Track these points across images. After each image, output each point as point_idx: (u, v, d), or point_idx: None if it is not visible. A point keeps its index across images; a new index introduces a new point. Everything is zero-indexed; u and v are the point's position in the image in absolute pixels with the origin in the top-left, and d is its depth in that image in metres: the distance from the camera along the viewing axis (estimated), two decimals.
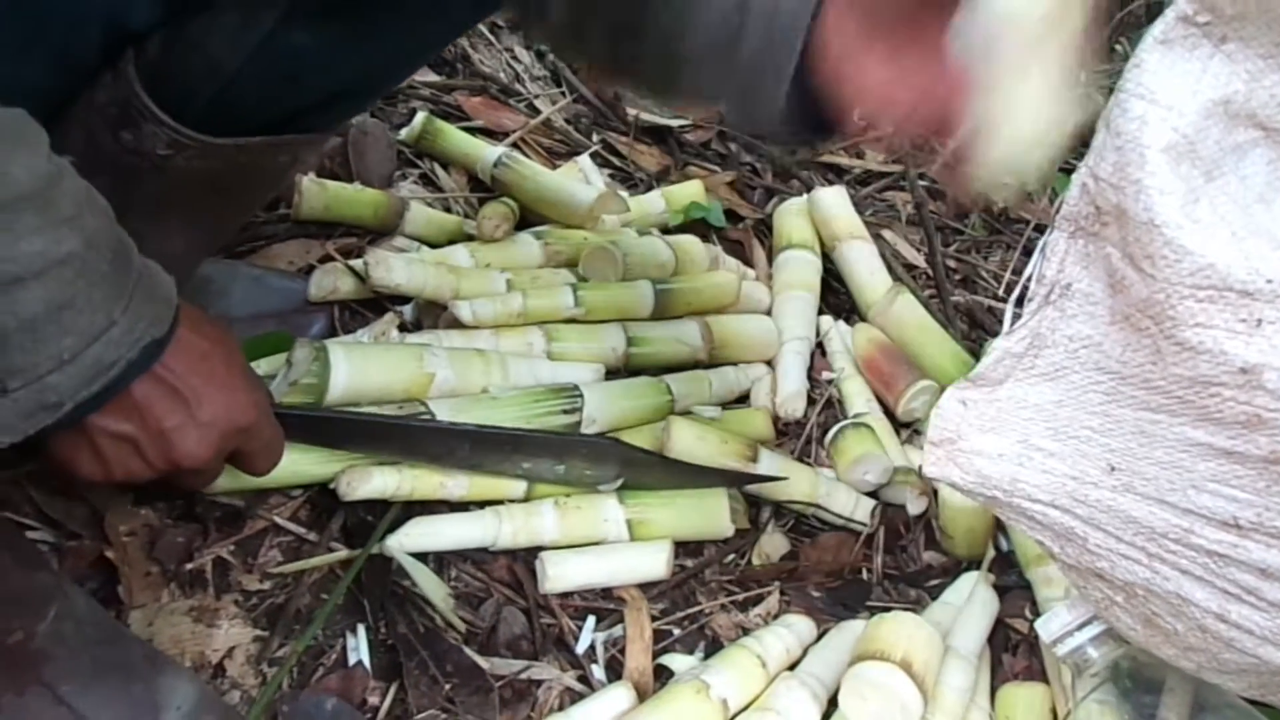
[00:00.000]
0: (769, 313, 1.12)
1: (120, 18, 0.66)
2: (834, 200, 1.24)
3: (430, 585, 0.77)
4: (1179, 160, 0.46)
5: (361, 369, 0.82)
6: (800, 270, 1.16)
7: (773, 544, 0.88)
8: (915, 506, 0.95)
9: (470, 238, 1.08)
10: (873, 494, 0.96)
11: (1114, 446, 0.53)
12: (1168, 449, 0.51)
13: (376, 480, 0.78)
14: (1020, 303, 0.53)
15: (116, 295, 0.55)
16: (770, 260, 1.23)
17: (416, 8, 0.71)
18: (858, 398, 1.05)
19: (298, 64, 0.70)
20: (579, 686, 0.76)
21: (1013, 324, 0.53)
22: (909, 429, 1.05)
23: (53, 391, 0.54)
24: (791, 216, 1.24)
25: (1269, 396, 0.46)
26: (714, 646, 0.81)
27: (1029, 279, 0.52)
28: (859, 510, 0.93)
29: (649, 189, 1.32)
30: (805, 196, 1.27)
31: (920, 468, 0.68)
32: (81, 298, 0.53)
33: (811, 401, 1.05)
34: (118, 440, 0.59)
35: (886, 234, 1.40)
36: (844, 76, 0.57)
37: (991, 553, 0.87)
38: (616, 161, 1.39)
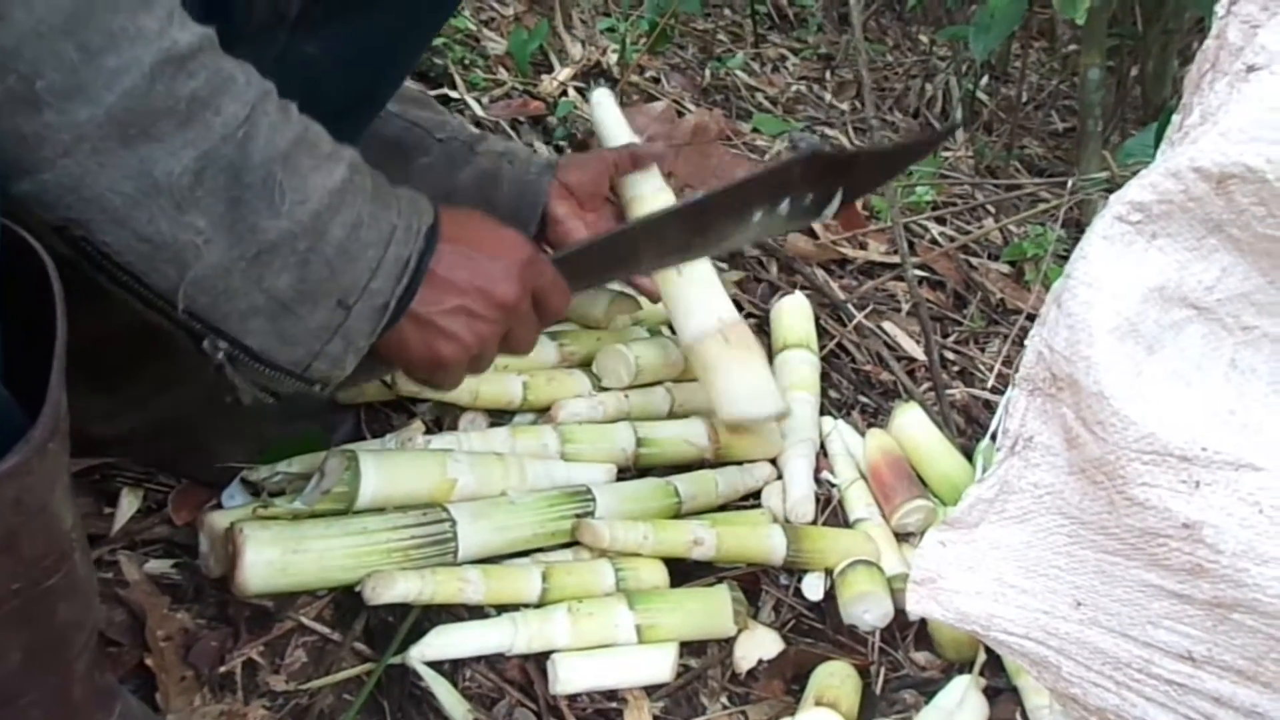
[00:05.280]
0: None
1: None
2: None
3: (450, 701, 0.81)
4: (1123, 339, 0.51)
5: (389, 477, 0.88)
6: (800, 371, 1.20)
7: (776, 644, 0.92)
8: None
9: None
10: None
11: (1079, 584, 0.58)
12: (1126, 588, 0.56)
13: (400, 586, 0.83)
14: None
15: (386, 203, 0.64)
16: (771, 358, 1.28)
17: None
18: (859, 502, 1.08)
19: (312, 73, 0.76)
20: None
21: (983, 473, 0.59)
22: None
23: (378, 295, 0.63)
24: (787, 315, 1.27)
25: (1208, 549, 0.50)
26: None
27: (994, 433, 0.58)
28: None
29: None
30: (798, 293, 1.32)
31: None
32: (366, 213, 0.62)
33: (814, 501, 1.09)
34: (451, 314, 0.69)
35: (887, 325, 1.46)
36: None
37: (983, 656, 0.91)
38: None
